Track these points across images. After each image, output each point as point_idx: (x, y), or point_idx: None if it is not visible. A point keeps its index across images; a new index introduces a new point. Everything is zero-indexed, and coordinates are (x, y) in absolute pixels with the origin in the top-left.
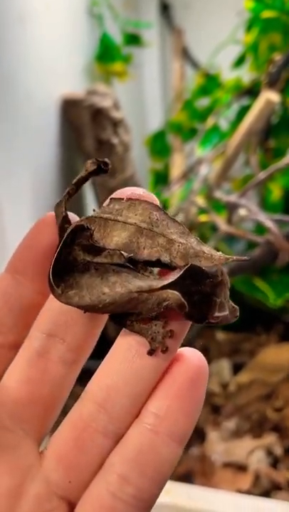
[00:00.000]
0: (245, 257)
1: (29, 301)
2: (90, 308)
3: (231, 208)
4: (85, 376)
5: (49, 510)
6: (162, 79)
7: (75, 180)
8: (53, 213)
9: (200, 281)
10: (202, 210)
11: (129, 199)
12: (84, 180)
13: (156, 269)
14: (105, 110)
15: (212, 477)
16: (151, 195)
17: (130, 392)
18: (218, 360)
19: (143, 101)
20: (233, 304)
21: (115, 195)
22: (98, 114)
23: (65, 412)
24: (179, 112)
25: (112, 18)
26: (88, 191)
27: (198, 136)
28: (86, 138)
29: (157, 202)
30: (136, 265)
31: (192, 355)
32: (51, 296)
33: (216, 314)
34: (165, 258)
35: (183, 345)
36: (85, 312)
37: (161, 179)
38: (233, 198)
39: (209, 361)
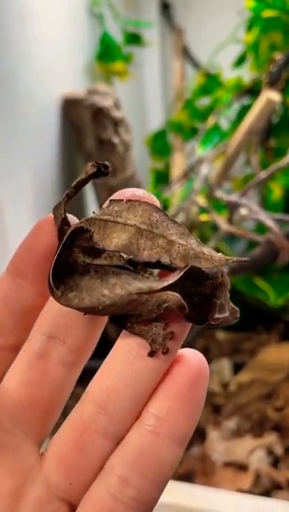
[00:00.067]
0: (246, 258)
1: (29, 303)
2: (89, 311)
3: (232, 208)
4: (86, 376)
5: None
6: (163, 78)
7: (74, 183)
8: (52, 215)
9: (200, 282)
10: (203, 210)
11: (128, 200)
12: (84, 182)
13: (156, 271)
14: (106, 109)
15: (213, 476)
16: (151, 197)
17: (131, 393)
18: (218, 360)
19: (144, 100)
20: (233, 306)
21: (115, 196)
22: (99, 114)
23: (65, 413)
24: (180, 112)
25: (113, 17)
26: (89, 190)
27: (199, 136)
28: (87, 137)
29: (157, 203)
30: (136, 267)
31: (193, 357)
32: (51, 298)
33: (216, 316)
34: (165, 259)
35: (183, 345)
36: (84, 314)
37: (161, 179)
38: (233, 197)
39: (210, 361)
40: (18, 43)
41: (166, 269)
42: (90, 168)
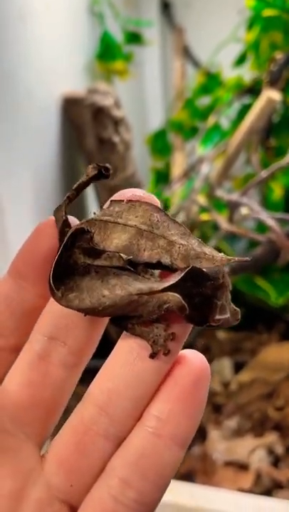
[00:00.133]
0: (247, 258)
1: (31, 304)
2: (90, 311)
3: (233, 207)
4: (87, 376)
5: None
6: (163, 77)
7: (75, 186)
8: (53, 217)
9: (201, 283)
10: (203, 209)
11: (129, 201)
12: (85, 185)
13: (157, 272)
14: (106, 109)
15: (213, 476)
16: (152, 197)
17: (132, 395)
18: (219, 359)
19: (144, 99)
20: (234, 307)
21: (115, 197)
22: (99, 113)
23: (66, 414)
24: (180, 111)
25: (113, 16)
26: (89, 190)
27: (199, 135)
28: (87, 136)
29: (158, 203)
30: (137, 268)
31: (194, 358)
32: (52, 299)
33: (217, 317)
34: (166, 260)
35: (184, 345)
36: (85, 315)
37: (162, 178)
38: (234, 196)
39: (210, 360)
40: (18, 43)
41: (167, 269)
42: (90, 170)
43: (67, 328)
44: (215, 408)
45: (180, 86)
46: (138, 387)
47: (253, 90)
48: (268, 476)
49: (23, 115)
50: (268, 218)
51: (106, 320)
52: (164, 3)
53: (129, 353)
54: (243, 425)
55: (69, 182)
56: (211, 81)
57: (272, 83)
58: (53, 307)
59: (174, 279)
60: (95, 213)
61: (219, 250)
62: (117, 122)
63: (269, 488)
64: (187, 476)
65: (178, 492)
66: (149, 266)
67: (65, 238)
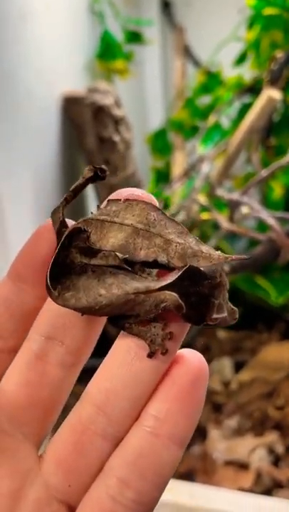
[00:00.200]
0: (244, 256)
1: (30, 307)
2: (86, 311)
3: (233, 206)
4: (86, 375)
5: None
6: (163, 77)
7: (72, 187)
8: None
9: (198, 282)
10: (204, 208)
11: (126, 200)
12: (81, 187)
13: (154, 271)
14: (107, 108)
15: (214, 475)
16: (149, 196)
17: (129, 395)
18: (219, 359)
19: (144, 99)
20: (232, 306)
21: (112, 196)
22: (100, 112)
23: (65, 413)
24: (181, 110)
25: (113, 15)
26: (89, 188)
27: (200, 134)
28: (87, 136)
29: (155, 202)
30: (134, 267)
31: (192, 357)
32: (49, 298)
33: (214, 316)
34: (162, 258)
35: (184, 345)
36: (82, 314)
37: (162, 177)
38: (234, 195)
39: (211, 359)
40: (18, 42)
41: (164, 268)
42: (87, 172)
43: (65, 328)
44: (215, 407)
45: (180, 85)
46: (136, 387)
47: (254, 89)
48: (268, 476)
49: (23, 115)
50: (269, 217)
51: (104, 319)
52: (165, 2)
53: (126, 352)
54: (244, 424)
55: (69, 181)
56: (212, 80)
57: (273, 82)
58: (50, 307)
59: (171, 278)
60: (92, 213)
61: (219, 249)
62: (117, 121)
63: (269, 488)
64: (187, 475)
65: (178, 491)
66: (146, 265)
67: (62, 237)
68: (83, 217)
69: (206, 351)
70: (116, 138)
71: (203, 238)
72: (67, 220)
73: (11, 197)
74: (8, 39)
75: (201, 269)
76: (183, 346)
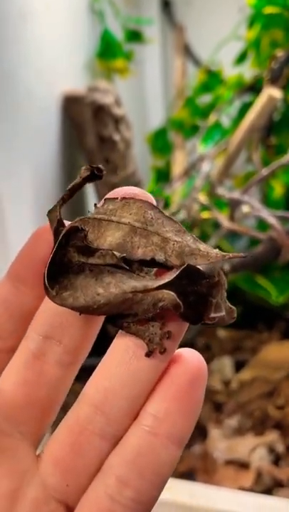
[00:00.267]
0: (242, 254)
1: (29, 307)
2: (84, 310)
3: (234, 205)
4: (85, 374)
5: None
6: (164, 76)
7: (69, 187)
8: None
9: (196, 281)
10: (204, 207)
11: (123, 198)
12: (78, 186)
13: (153, 270)
14: (107, 107)
15: (214, 474)
16: (147, 194)
17: (128, 394)
18: (220, 358)
19: (144, 98)
20: (230, 305)
21: (110, 195)
22: (100, 111)
23: (64, 411)
24: (181, 109)
25: (114, 14)
26: (90, 188)
27: (200, 133)
28: (87, 135)
29: (153, 200)
30: (131, 265)
31: (191, 356)
32: (47, 297)
33: (212, 315)
34: (160, 257)
35: (184, 344)
36: (80, 314)
37: (162, 176)
38: (235, 194)
39: (211, 359)
40: (18, 42)
41: (162, 266)
42: (83, 172)
43: (63, 327)
44: (215, 407)
45: (180, 84)
46: (134, 386)
47: (254, 88)
48: (269, 475)
49: (23, 115)
50: (269, 216)
51: (101, 318)
52: (165, 1)
53: (125, 351)
54: (244, 424)
55: (69, 181)
56: (212, 79)
57: (273, 81)
58: (48, 306)
59: (169, 276)
60: (89, 212)
61: (219, 248)
62: (117, 120)
63: (270, 487)
64: (188, 474)
65: (178, 491)
66: (144, 263)
67: (60, 236)
68: (84, 216)
69: (206, 350)
70: (116, 137)
71: (204, 237)
72: (64, 220)
73: (11, 197)
74: (9, 39)
75: (200, 268)
76: (183, 345)
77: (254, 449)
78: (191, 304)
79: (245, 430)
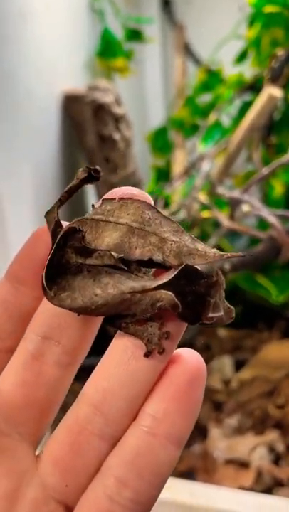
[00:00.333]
0: (240, 253)
1: (28, 308)
2: (82, 311)
3: (234, 204)
4: (84, 374)
5: None
6: (164, 75)
7: (67, 188)
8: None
9: (194, 281)
10: (204, 207)
11: (121, 199)
12: (76, 188)
13: (151, 270)
14: (107, 106)
15: (214, 474)
16: (144, 194)
17: (126, 394)
18: (220, 357)
19: (144, 97)
20: (228, 305)
21: (107, 195)
22: (100, 110)
23: (64, 411)
24: (181, 108)
25: (114, 13)
26: (90, 187)
27: (200, 133)
28: (88, 134)
29: (150, 200)
30: (129, 266)
31: (190, 356)
32: (45, 298)
33: (210, 315)
34: (158, 257)
35: (184, 343)
36: (78, 315)
37: (162, 176)
38: (235, 194)
39: (211, 358)
40: (18, 41)
41: (160, 267)
42: (81, 173)
43: (61, 328)
44: (215, 406)
45: (181, 83)
46: (133, 387)
47: (254, 87)
48: (269, 474)
49: (23, 114)
50: (269, 215)
51: (100, 319)
52: (165, 0)
53: (123, 352)
54: (244, 423)
55: (70, 180)
56: (212, 78)
57: (274, 80)
58: (46, 307)
59: (167, 277)
60: (87, 213)
61: (219, 248)
62: (117, 119)
63: (270, 486)
64: (188, 474)
65: (178, 490)
66: (142, 264)
67: (58, 237)
68: (84, 216)
69: (206, 350)
70: (116, 136)
71: (204, 236)
72: (62, 221)
73: (11, 197)
74: (9, 38)
75: (198, 268)
76: (183, 345)
77: (254, 448)
78: (189, 303)
79: (245, 429)
